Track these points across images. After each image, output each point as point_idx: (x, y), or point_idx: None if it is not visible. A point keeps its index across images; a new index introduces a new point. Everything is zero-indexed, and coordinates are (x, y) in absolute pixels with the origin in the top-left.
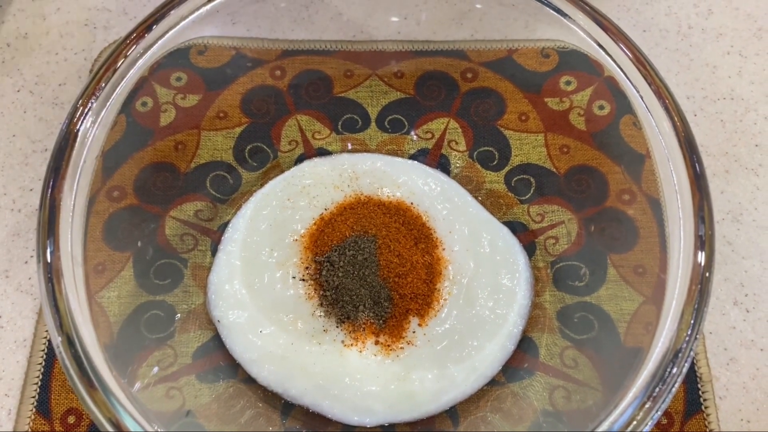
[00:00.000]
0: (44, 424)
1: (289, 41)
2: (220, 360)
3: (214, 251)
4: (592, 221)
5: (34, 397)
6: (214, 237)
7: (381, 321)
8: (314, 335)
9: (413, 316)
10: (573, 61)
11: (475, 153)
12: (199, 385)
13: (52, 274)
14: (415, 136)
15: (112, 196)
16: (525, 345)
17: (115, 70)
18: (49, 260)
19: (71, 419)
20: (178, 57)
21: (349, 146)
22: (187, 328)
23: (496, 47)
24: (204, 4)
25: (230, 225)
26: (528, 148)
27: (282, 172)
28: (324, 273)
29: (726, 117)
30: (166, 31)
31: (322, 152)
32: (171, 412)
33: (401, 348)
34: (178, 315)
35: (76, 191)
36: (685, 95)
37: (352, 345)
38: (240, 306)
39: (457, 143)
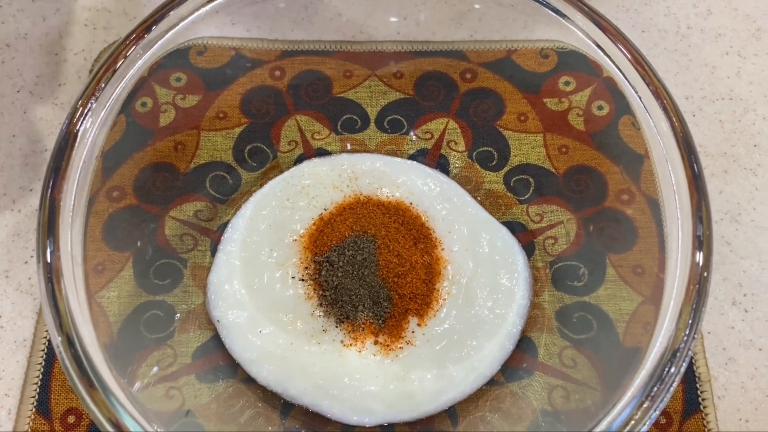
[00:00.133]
0: (44, 424)
1: (288, 42)
2: (220, 360)
3: (213, 251)
4: (591, 221)
5: (33, 397)
6: (214, 237)
7: (380, 321)
8: (313, 335)
9: (412, 316)
10: (572, 61)
11: (474, 153)
12: (199, 385)
13: (52, 274)
14: (414, 137)
15: (111, 196)
16: (524, 345)
17: (114, 71)
18: (49, 260)
19: (71, 419)
20: (177, 57)
21: (349, 146)
22: (186, 328)
23: (495, 48)
24: (203, 5)
25: (230, 225)
26: (527, 148)
27: (281, 172)
28: (323, 273)
29: (725, 117)
30: (166, 32)
31: (322, 152)
32: (171, 412)
33: (400, 348)
34: (178, 315)
35: (76, 191)
36: (684, 95)
37: (351, 345)
38: (239, 306)
39: (456, 143)
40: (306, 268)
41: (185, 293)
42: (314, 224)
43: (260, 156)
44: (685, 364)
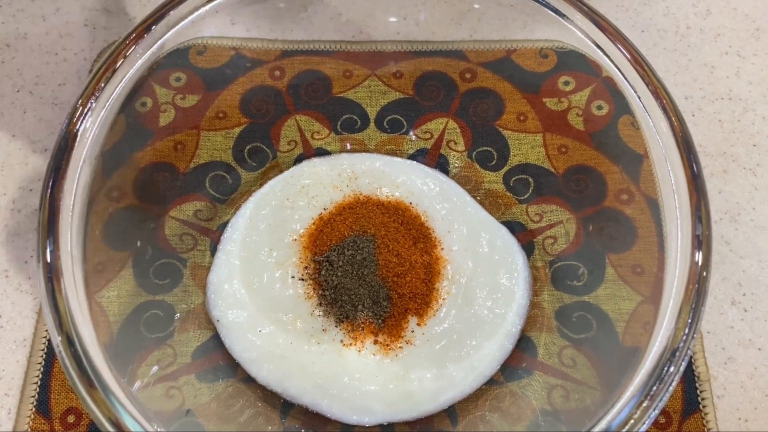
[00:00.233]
0: (44, 424)
1: (288, 42)
2: (220, 359)
3: (213, 251)
4: (590, 221)
5: (33, 396)
6: (214, 237)
7: (380, 320)
8: (313, 335)
9: (412, 316)
10: (571, 61)
11: (474, 153)
12: (199, 385)
13: (51, 274)
14: (413, 136)
15: (111, 196)
16: (523, 344)
17: (114, 71)
18: (49, 260)
19: (71, 418)
20: (177, 57)
21: (348, 146)
22: (186, 327)
23: (494, 47)
24: (203, 5)
25: (229, 225)
26: (526, 148)
27: (281, 172)
28: (323, 273)
29: (724, 117)
30: (166, 32)
31: (321, 152)
32: (171, 412)
33: (400, 347)
34: (178, 314)
35: (76, 191)
36: (684, 95)
37: (351, 344)
38: (239, 305)
39: (455, 143)
40: (306, 267)
41: (185, 293)
42: (314, 224)
43: (260, 156)
44: (684, 364)
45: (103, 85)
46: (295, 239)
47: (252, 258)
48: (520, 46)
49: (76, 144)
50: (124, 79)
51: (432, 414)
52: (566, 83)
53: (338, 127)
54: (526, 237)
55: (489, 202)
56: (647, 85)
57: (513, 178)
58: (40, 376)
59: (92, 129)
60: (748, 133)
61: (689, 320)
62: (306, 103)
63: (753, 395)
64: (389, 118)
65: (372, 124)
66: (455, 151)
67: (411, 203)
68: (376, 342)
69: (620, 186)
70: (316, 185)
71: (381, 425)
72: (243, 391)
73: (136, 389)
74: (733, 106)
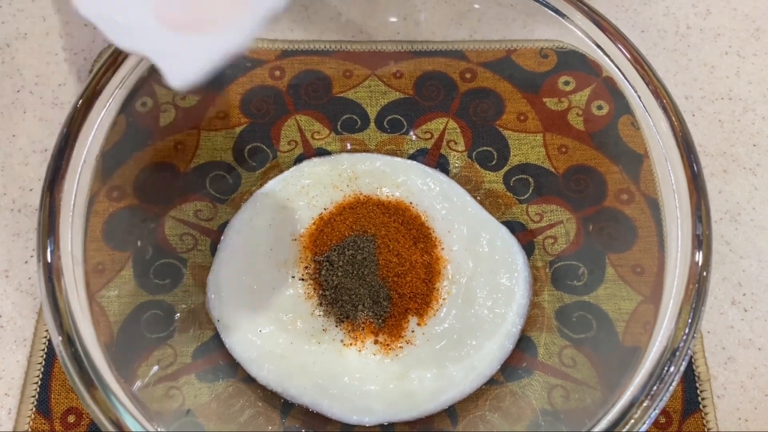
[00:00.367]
0: (44, 424)
1: (288, 41)
2: (220, 359)
3: (213, 251)
4: (590, 221)
5: (34, 396)
6: (214, 237)
7: (380, 320)
8: (313, 335)
9: (412, 316)
10: (571, 61)
11: (474, 153)
12: (199, 385)
13: (52, 274)
14: (414, 136)
15: (111, 196)
16: (524, 344)
17: (114, 71)
18: (49, 260)
19: (71, 418)
20: None
21: (348, 146)
22: (186, 327)
23: (494, 47)
24: None
25: (230, 225)
26: (526, 148)
27: (281, 172)
28: (323, 272)
29: (724, 117)
30: None
31: (322, 152)
32: (171, 411)
33: (400, 347)
34: (178, 314)
35: (76, 191)
36: (684, 95)
37: (351, 344)
38: (239, 305)
39: (456, 143)
40: (306, 267)
41: (185, 293)
42: (314, 224)
43: (260, 156)
44: (684, 364)
45: (103, 84)
46: (296, 239)
47: (252, 258)
48: (520, 46)
49: (76, 144)
50: (124, 79)
51: (432, 414)
52: (566, 83)
53: (338, 127)
54: (526, 237)
55: (489, 202)
56: (647, 85)
57: (513, 178)
58: (41, 376)
59: (92, 129)
60: (748, 133)
61: (689, 320)
62: (306, 103)
63: (753, 395)
64: (389, 118)
65: (372, 124)
66: (455, 151)
67: (411, 203)
68: (376, 342)
69: (620, 186)
70: (316, 185)
71: (381, 425)
72: (243, 391)
73: (136, 389)
74: (733, 106)
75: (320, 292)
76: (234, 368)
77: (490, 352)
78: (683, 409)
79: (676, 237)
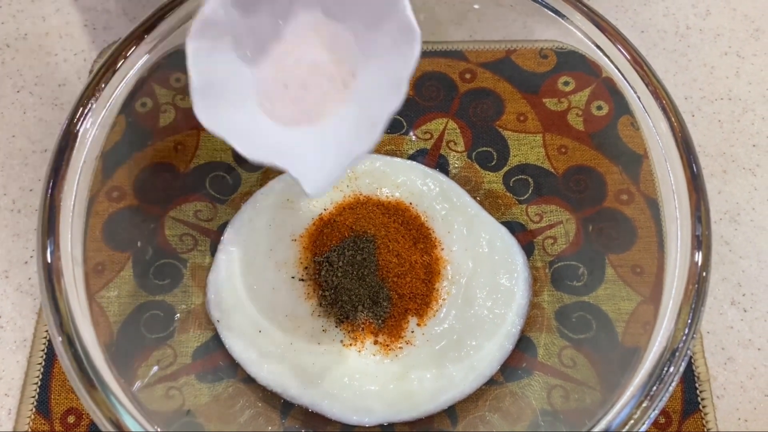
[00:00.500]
0: (44, 424)
1: None
2: (220, 360)
3: (213, 251)
4: (590, 221)
5: (33, 396)
6: (214, 237)
7: (380, 321)
8: (313, 335)
9: (412, 316)
10: (571, 61)
11: (474, 153)
12: (199, 385)
13: (51, 275)
14: (413, 137)
15: (111, 197)
16: (523, 344)
17: (114, 71)
18: (48, 260)
19: (71, 419)
20: (177, 58)
21: None
22: (186, 328)
23: (494, 48)
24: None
25: (229, 225)
26: (526, 148)
27: (281, 172)
28: (323, 273)
29: (724, 117)
30: (166, 33)
31: None
32: (171, 412)
33: (400, 348)
34: (178, 315)
35: (76, 191)
36: (683, 95)
37: (351, 345)
38: (239, 306)
39: (455, 143)
40: (306, 268)
41: (185, 293)
42: (314, 224)
43: None
44: (684, 364)
45: (103, 85)
46: (295, 240)
47: (252, 258)
48: (520, 47)
49: (76, 144)
50: (124, 80)
51: (432, 414)
52: (566, 83)
53: None
54: (526, 237)
55: (489, 202)
56: (647, 86)
57: (513, 179)
58: (40, 376)
59: (92, 129)
60: (747, 134)
61: (689, 320)
62: None
63: (753, 395)
64: None
65: None
66: (455, 151)
67: (411, 203)
68: (376, 342)
69: (620, 186)
70: None
71: (381, 425)
72: (243, 392)
73: (136, 389)
74: (733, 107)
75: (320, 292)
76: (234, 369)
77: (489, 352)
78: (683, 409)
79: (676, 237)
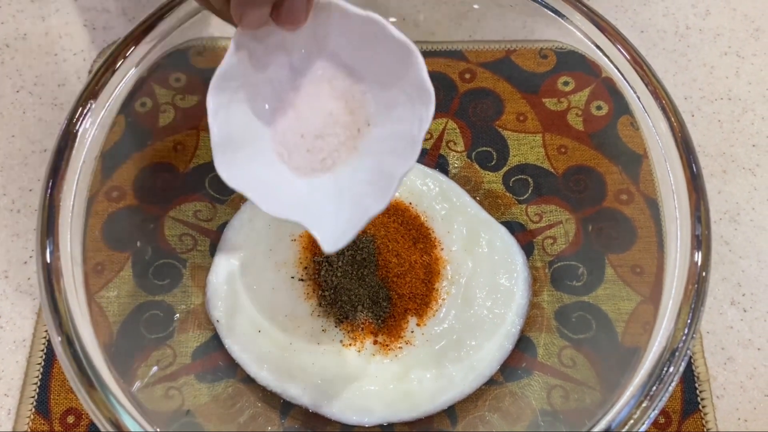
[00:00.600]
0: (43, 424)
1: None
2: (219, 360)
3: (213, 251)
4: (590, 221)
5: (33, 397)
6: (214, 237)
7: (379, 321)
8: (313, 335)
9: (412, 316)
10: (571, 61)
11: (474, 153)
12: (198, 385)
13: (51, 275)
14: None
15: (111, 197)
16: (523, 344)
17: (114, 71)
18: (48, 260)
19: (70, 419)
20: (177, 58)
21: None
22: (186, 328)
23: (494, 48)
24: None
25: (229, 225)
26: (526, 148)
27: None
28: (323, 273)
29: (723, 117)
30: (165, 32)
31: None
32: (170, 412)
33: (400, 348)
34: (177, 315)
35: (76, 191)
36: (683, 95)
37: (350, 345)
38: (239, 306)
39: (455, 143)
40: (305, 268)
41: (184, 293)
42: None
43: None
44: (683, 364)
45: (103, 85)
46: (295, 239)
47: (252, 259)
48: (520, 47)
49: (76, 144)
50: (124, 80)
51: (432, 414)
52: (566, 83)
53: None
54: (525, 237)
55: (489, 202)
56: (646, 86)
57: (512, 179)
58: (40, 376)
59: (92, 129)
60: (747, 134)
61: (689, 320)
62: None
63: (752, 395)
64: None
65: None
66: (455, 151)
67: (411, 203)
68: (375, 342)
69: (620, 186)
70: None
71: (381, 425)
72: (243, 392)
73: (135, 390)
74: (733, 107)
75: (319, 292)
76: (233, 369)
77: (489, 352)
78: (683, 409)
79: (676, 237)
